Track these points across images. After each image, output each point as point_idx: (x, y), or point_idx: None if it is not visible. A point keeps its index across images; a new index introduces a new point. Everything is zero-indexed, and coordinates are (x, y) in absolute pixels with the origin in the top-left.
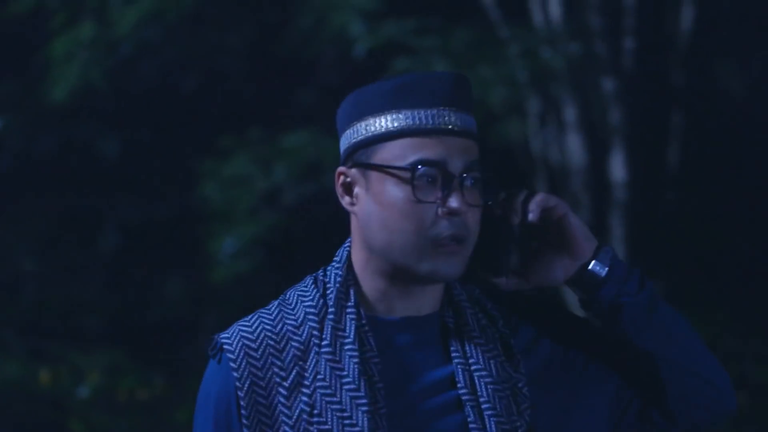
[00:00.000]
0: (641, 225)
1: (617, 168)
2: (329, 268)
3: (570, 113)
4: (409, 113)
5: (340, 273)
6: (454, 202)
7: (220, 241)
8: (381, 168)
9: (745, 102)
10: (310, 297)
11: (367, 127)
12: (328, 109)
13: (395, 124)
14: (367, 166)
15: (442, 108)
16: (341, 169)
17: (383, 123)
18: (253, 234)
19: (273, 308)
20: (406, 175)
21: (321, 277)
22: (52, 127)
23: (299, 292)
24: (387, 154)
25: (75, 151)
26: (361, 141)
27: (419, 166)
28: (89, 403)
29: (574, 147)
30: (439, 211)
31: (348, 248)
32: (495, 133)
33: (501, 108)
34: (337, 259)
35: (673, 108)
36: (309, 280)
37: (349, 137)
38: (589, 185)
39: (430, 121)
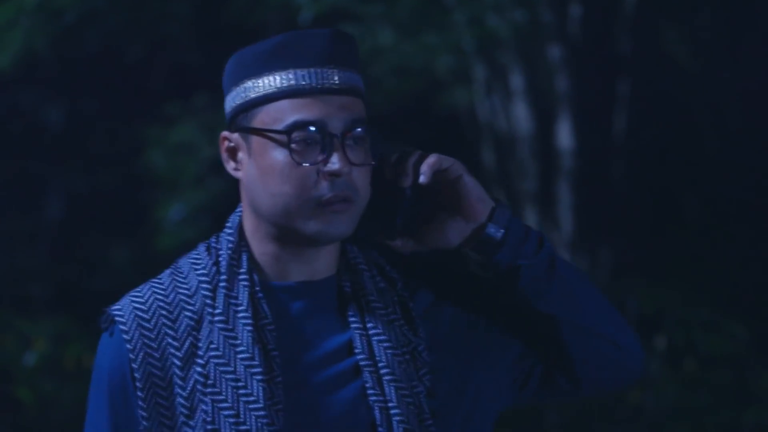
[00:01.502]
0: (589, 193)
1: (564, 136)
2: (222, 234)
3: (516, 81)
4: (285, 74)
5: (232, 239)
6: (334, 164)
7: (167, 208)
8: (260, 132)
9: (691, 68)
10: (203, 265)
11: (246, 91)
12: None
13: (272, 86)
14: (247, 131)
15: (320, 67)
16: (224, 134)
17: (261, 85)
18: (200, 201)
19: (165, 278)
20: (284, 138)
21: (214, 245)
22: None
23: (191, 260)
24: (266, 117)
25: (19, 119)
26: (241, 105)
27: (296, 128)
28: (36, 370)
29: (521, 115)
30: (320, 172)
31: (239, 214)
32: (441, 100)
33: (447, 75)
34: (228, 225)
35: (620, 75)
36: (202, 247)
37: (231, 101)
38: (536, 153)
39: (308, 81)
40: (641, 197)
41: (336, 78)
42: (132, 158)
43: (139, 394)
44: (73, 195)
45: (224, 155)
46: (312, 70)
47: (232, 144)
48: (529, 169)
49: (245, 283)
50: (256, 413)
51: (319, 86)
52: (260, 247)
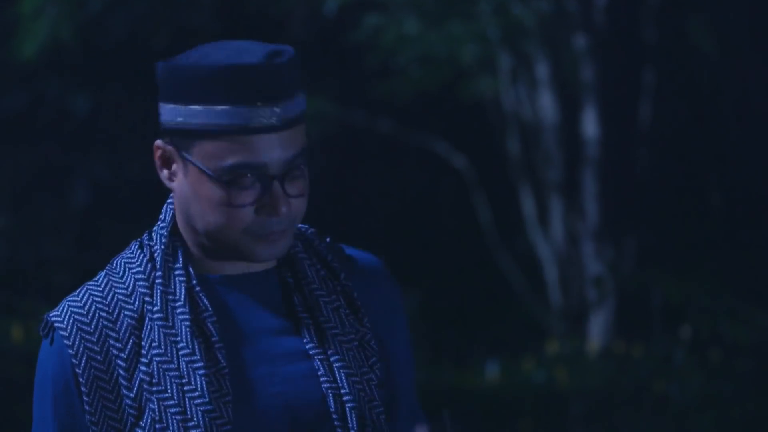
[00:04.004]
0: (614, 182)
1: (589, 125)
2: (155, 230)
3: (542, 70)
4: (229, 110)
5: (165, 234)
6: (278, 207)
7: None
8: (195, 164)
9: (716, 57)
10: (138, 263)
11: (188, 116)
12: None
13: (215, 122)
14: (183, 156)
15: (262, 105)
16: (159, 143)
17: (203, 116)
18: None
19: (101, 279)
20: (222, 179)
21: (147, 242)
22: (21, 84)
23: (126, 260)
24: (204, 151)
25: (45, 108)
26: (180, 128)
27: (236, 170)
28: None
29: (546, 104)
30: (258, 209)
31: (172, 207)
32: (466, 89)
33: (472, 65)
34: (161, 218)
35: (645, 64)
36: (134, 245)
37: (170, 113)
38: (562, 142)
39: (249, 121)
40: (666, 186)
41: (281, 115)
42: None
43: (86, 398)
44: (98, 183)
45: (157, 162)
46: (253, 108)
47: (166, 155)
48: (555, 159)
49: (181, 278)
50: (201, 408)
51: (261, 125)
52: (195, 242)
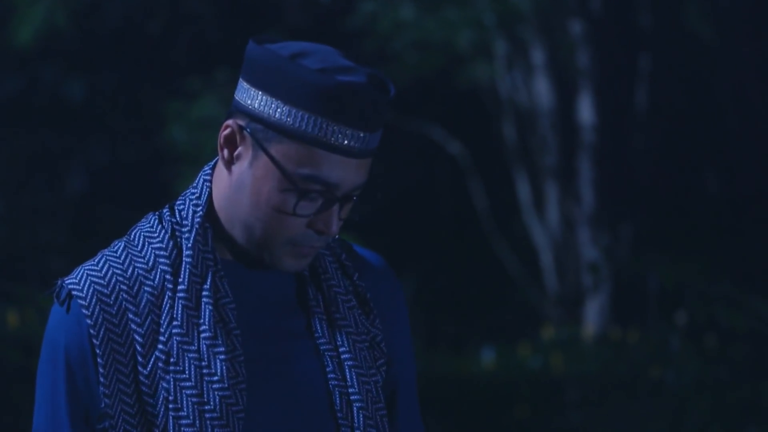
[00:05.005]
0: (610, 167)
1: (585, 110)
2: (180, 205)
3: (537, 56)
4: (324, 123)
5: (201, 214)
6: (330, 226)
7: (188, 182)
8: (273, 160)
9: (712, 43)
10: (159, 238)
11: (282, 115)
12: None
13: (306, 129)
14: (262, 148)
15: (358, 130)
16: (231, 123)
17: (298, 121)
18: None
19: (119, 250)
20: (293, 185)
21: (168, 217)
22: (17, 69)
23: (145, 233)
24: (285, 151)
25: (41, 93)
26: (266, 118)
27: (310, 183)
28: None
29: (542, 89)
30: (310, 222)
31: (209, 185)
32: (462, 75)
33: (468, 50)
34: (195, 193)
35: (641, 50)
36: (153, 218)
37: (260, 102)
38: (558, 127)
39: (341, 140)
40: (662, 172)
41: (368, 143)
42: (153, 133)
43: (101, 370)
44: (94, 169)
45: (221, 140)
46: (353, 131)
47: (236, 137)
48: (550, 144)
49: (209, 261)
50: (220, 393)
51: (350, 148)
52: (229, 228)
